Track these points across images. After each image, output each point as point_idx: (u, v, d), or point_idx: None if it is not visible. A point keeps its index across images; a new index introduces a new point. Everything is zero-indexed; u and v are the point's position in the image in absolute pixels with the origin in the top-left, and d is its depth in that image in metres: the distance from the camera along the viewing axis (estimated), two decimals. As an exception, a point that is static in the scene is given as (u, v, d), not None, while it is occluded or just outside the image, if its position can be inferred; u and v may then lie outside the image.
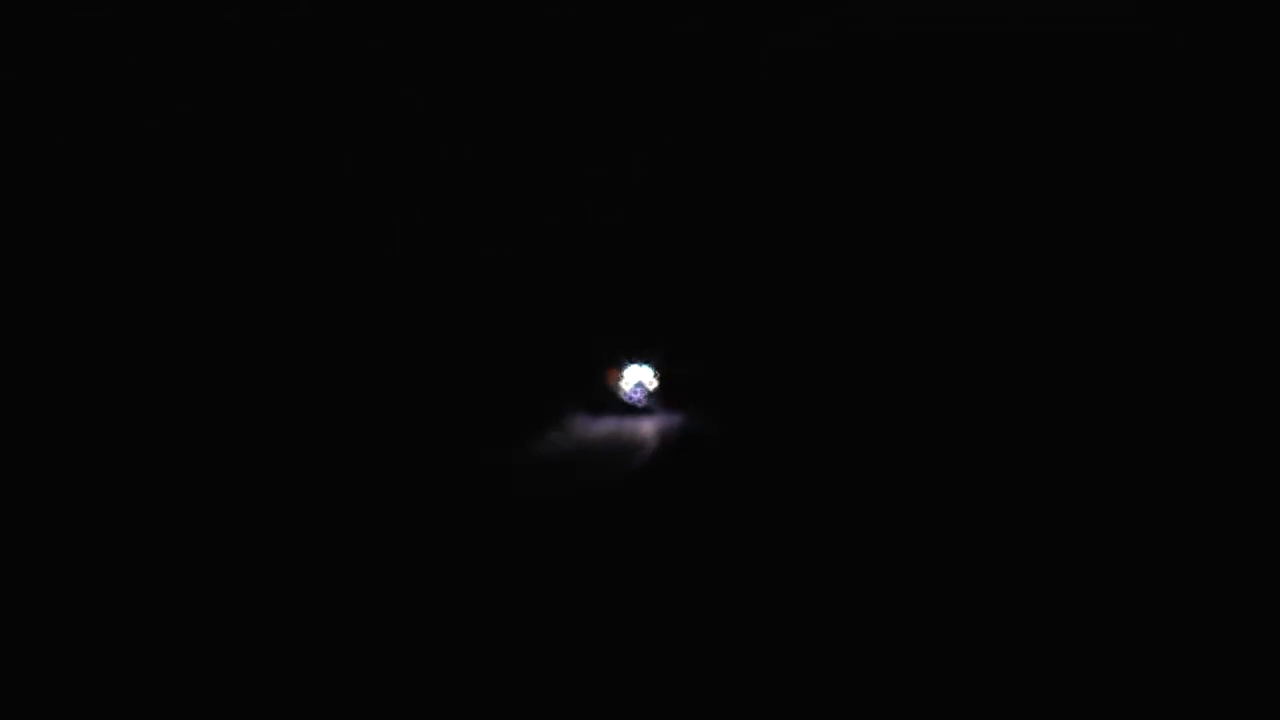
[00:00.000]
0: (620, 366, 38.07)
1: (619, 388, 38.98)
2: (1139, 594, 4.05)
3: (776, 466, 13.30)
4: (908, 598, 4.64)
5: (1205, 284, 9.28)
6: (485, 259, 26.97)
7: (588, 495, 11.04)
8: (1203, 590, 3.70)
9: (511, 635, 3.24)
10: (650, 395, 37.56)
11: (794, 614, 3.47)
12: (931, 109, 13.76)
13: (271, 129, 17.05)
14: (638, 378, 39.28)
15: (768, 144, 18.94)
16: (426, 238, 24.56)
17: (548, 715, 2.39)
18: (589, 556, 5.83)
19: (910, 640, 3.11)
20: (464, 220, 27.05)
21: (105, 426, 11.90)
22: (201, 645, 3.08)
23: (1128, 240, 10.29)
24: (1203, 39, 9.69)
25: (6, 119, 12.96)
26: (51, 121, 13.32)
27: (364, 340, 20.45)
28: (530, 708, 2.44)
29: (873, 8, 13.98)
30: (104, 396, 13.38)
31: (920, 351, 14.02)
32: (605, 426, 35.65)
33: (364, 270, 20.66)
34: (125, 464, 11.05)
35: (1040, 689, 2.45)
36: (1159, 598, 4.02)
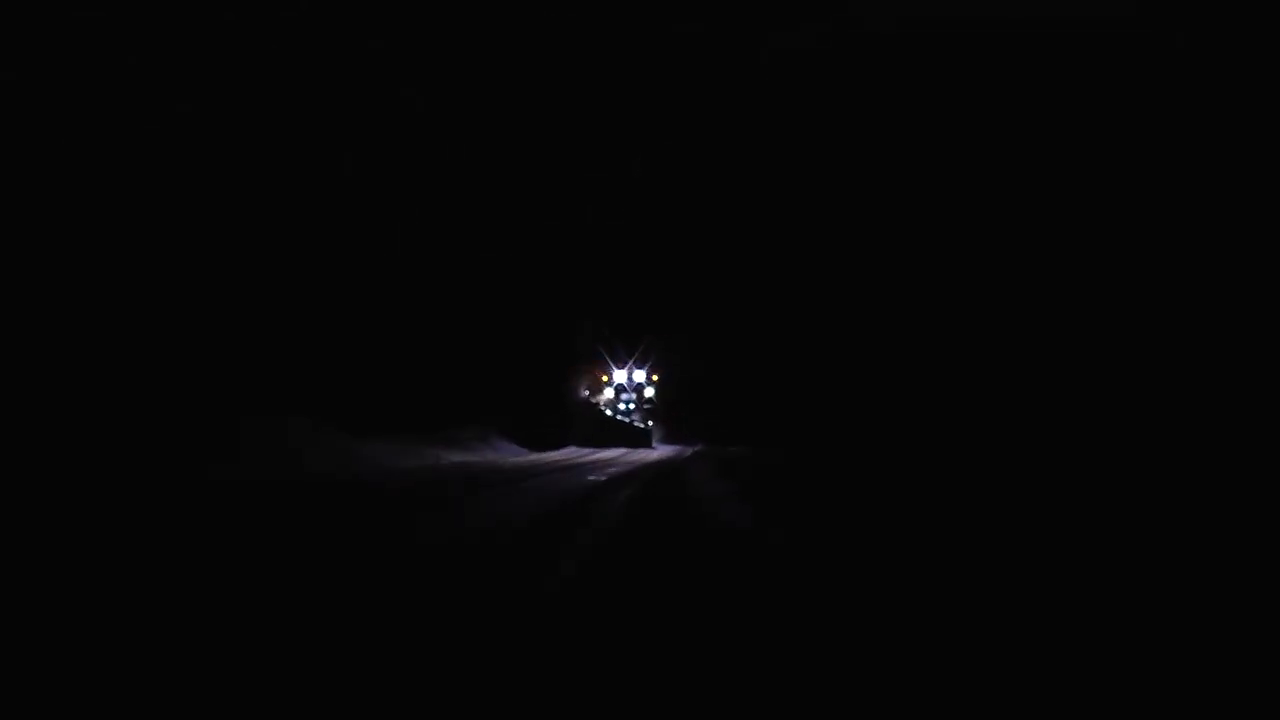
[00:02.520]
0: (611, 369, 37.33)
1: (609, 391, 37.94)
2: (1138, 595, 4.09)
3: (769, 465, 13.29)
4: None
5: (1203, 281, 9.28)
6: (485, 259, 26.46)
7: (583, 492, 10.98)
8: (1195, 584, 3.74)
9: (499, 631, 3.18)
10: (642, 400, 36.69)
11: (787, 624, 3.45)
12: (930, 109, 13.81)
13: (272, 129, 17.05)
14: (627, 381, 38.30)
15: (767, 143, 18.90)
16: (426, 237, 24.24)
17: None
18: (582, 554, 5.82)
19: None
20: (463, 220, 26.67)
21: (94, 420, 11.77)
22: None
23: (1126, 239, 10.30)
24: (1203, 39, 9.70)
25: (6, 119, 13.00)
26: (52, 122, 13.34)
27: (360, 337, 20.26)
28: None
29: (873, 8, 14.06)
30: (97, 389, 13.32)
31: (918, 347, 14.05)
32: (595, 434, 33.57)
33: (363, 268, 20.50)
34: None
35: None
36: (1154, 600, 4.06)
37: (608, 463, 17.26)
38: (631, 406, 43.71)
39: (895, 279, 13.68)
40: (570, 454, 24.52)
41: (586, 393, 43.37)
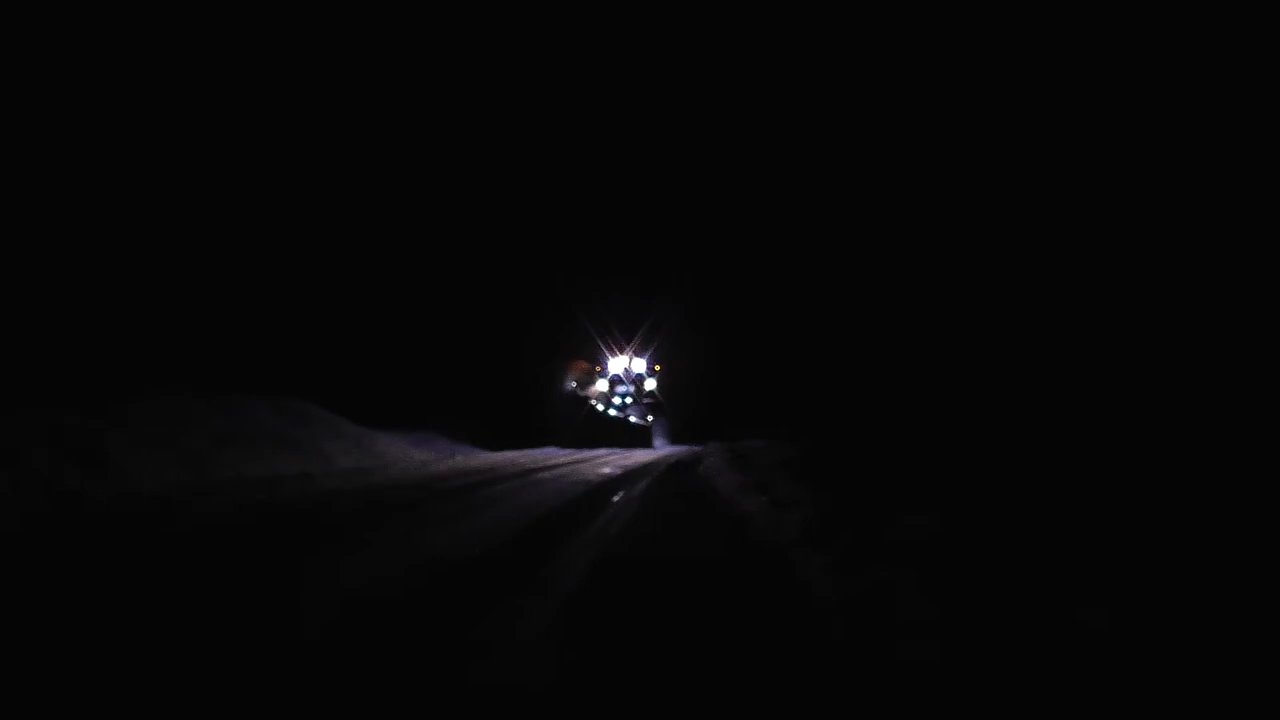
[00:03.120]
0: (605, 357, 37.21)
1: (602, 382, 37.90)
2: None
3: (766, 463, 13.26)
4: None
5: (1203, 282, 9.27)
6: (484, 259, 26.62)
7: (577, 490, 10.96)
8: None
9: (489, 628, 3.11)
10: (641, 393, 36.68)
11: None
12: (930, 108, 13.80)
13: (272, 129, 17.02)
14: (624, 371, 38.41)
15: (768, 142, 18.82)
16: (425, 237, 24.28)
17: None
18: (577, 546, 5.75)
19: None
20: (462, 219, 26.75)
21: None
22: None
23: (1125, 239, 10.30)
24: (1203, 39, 9.70)
25: (6, 119, 13.00)
26: (51, 121, 13.35)
27: (357, 337, 20.23)
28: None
29: (873, 7, 14.01)
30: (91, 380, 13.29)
31: (918, 348, 14.05)
32: (590, 430, 33.57)
33: (362, 268, 20.47)
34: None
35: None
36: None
37: (573, 476, 11.75)
38: (629, 400, 34.47)
39: (908, 271, 13.66)
40: (528, 457, 18.01)
41: (574, 385, 34.31)
